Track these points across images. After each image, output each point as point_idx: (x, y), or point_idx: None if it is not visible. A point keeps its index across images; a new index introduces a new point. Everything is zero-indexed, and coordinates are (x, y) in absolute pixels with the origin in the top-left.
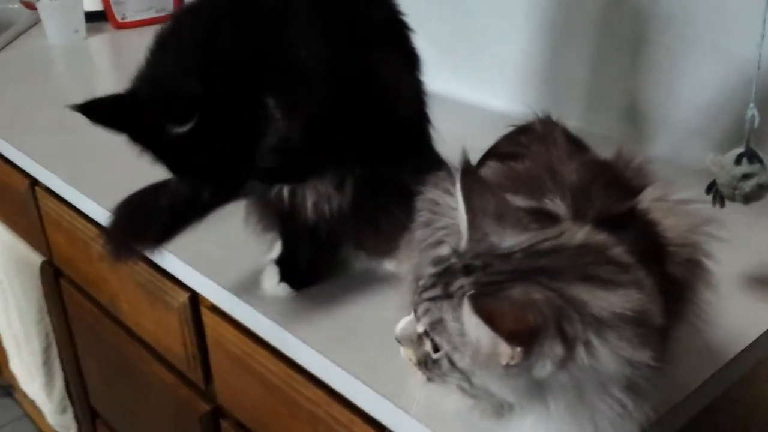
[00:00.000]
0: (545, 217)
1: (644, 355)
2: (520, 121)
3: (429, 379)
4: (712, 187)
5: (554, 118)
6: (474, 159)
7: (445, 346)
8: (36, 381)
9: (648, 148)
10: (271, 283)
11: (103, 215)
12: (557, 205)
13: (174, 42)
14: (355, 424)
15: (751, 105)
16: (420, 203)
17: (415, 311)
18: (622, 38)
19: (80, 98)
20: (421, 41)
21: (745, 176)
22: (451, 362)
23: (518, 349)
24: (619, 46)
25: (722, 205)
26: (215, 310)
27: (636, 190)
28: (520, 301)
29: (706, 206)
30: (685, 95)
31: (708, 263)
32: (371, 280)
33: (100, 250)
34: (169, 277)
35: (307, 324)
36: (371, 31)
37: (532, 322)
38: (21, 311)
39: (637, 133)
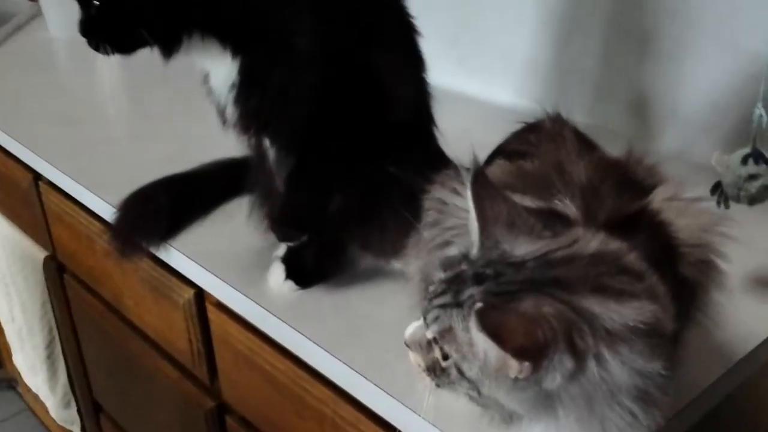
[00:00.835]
0: (555, 219)
1: (656, 366)
2: (530, 119)
3: (437, 386)
4: (717, 188)
5: (564, 115)
6: (480, 154)
7: (454, 355)
8: (39, 375)
9: (655, 142)
10: (277, 280)
11: (106, 210)
12: (567, 206)
13: None
14: (361, 423)
15: (759, 104)
16: (427, 203)
17: (425, 317)
18: (631, 31)
19: (82, 91)
20: (425, 33)
21: (751, 177)
22: (460, 371)
23: (526, 363)
24: (627, 39)
25: (727, 206)
26: (221, 306)
27: (647, 190)
28: (529, 315)
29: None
30: (694, 89)
31: (721, 264)
32: (378, 278)
33: (106, 247)
34: (174, 273)
35: (313, 321)
36: (375, 29)
37: (541, 337)
38: (24, 306)
39: (645, 128)
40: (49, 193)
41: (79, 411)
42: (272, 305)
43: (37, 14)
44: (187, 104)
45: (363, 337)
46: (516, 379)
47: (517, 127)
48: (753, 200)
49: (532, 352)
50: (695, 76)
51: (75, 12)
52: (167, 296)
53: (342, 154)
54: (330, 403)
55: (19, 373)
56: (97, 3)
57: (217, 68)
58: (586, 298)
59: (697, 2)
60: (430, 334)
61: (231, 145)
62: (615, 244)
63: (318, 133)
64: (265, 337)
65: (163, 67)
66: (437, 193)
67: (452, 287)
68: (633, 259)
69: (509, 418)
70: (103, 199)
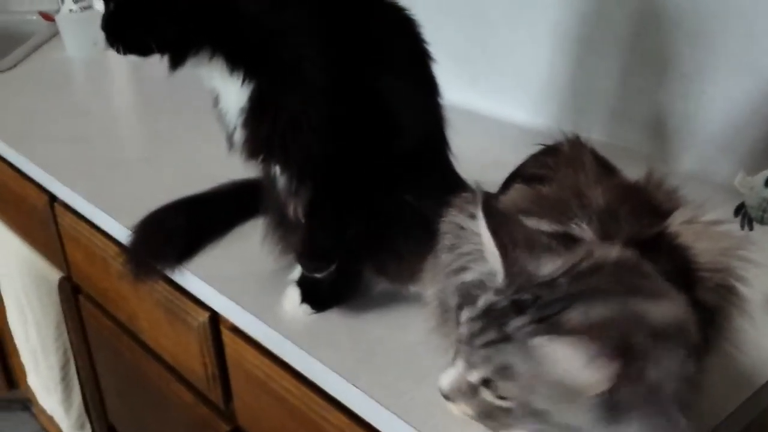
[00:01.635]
0: (572, 243)
1: (690, 368)
2: (548, 140)
3: (493, 429)
4: (740, 209)
5: (582, 138)
6: (496, 174)
7: (518, 392)
8: (54, 396)
9: (675, 162)
10: (293, 304)
11: (122, 232)
12: (583, 230)
13: None
14: None
15: None
16: (444, 226)
17: (468, 361)
18: (648, 51)
19: (98, 111)
20: (438, 51)
21: None
22: (526, 407)
23: (609, 370)
24: (645, 58)
25: (751, 227)
26: (235, 330)
27: (666, 214)
28: (595, 324)
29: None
30: (713, 110)
31: (741, 288)
32: (394, 302)
33: (121, 269)
34: (189, 296)
35: (329, 346)
36: (388, 59)
37: (610, 343)
38: (39, 327)
39: (664, 147)
40: (65, 215)
41: None
42: (287, 329)
43: (55, 34)
44: (202, 125)
45: (379, 363)
46: (591, 396)
47: (535, 148)
48: None
49: (609, 358)
50: (714, 97)
51: (91, 33)
52: (182, 319)
53: (355, 183)
54: (346, 429)
55: (33, 394)
56: (113, 3)
57: (227, 90)
58: (627, 301)
59: (715, 25)
60: (477, 377)
61: (245, 167)
62: (630, 252)
63: (330, 162)
64: (280, 361)
65: (175, 85)
66: (453, 217)
67: (492, 322)
68: (650, 267)
69: None
70: (119, 221)
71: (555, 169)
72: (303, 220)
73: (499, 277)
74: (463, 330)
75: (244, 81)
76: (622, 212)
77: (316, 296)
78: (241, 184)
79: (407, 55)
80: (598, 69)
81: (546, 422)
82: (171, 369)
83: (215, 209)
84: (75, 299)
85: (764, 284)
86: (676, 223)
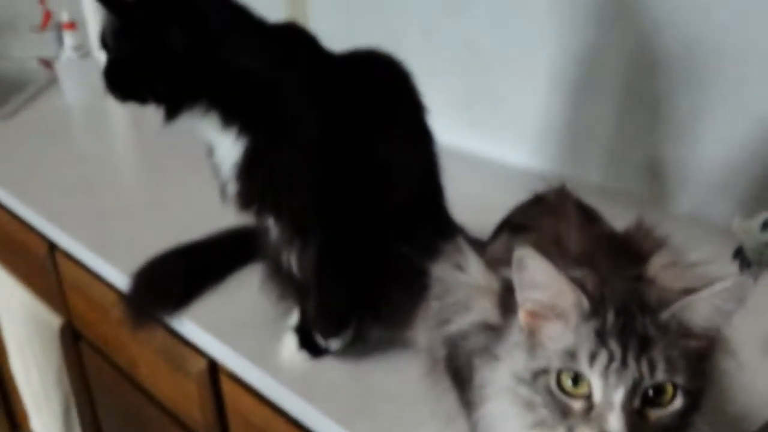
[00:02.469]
0: None
1: None
2: (538, 189)
3: None
4: (738, 253)
5: (568, 187)
6: (492, 217)
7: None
8: None
9: (671, 205)
10: (290, 350)
11: (122, 280)
12: None
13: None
14: None
15: None
16: (435, 273)
17: (633, 381)
18: (644, 94)
19: (97, 159)
20: (436, 95)
21: None
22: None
23: None
24: (640, 102)
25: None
26: (234, 377)
27: (647, 258)
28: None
29: (720, 267)
30: (708, 153)
31: (724, 330)
32: (389, 348)
33: (119, 316)
34: (187, 343)
35: (327, 393)
36: (382, 115)
37: None
38: (41, 371)
39: (660, 190)
40: (65, 262)
41: None
42: (284, 376)
43: (53, 81)
44: (201, 172)
45: (377, 409)
46: None
47: (526, 196)
48: None
49: None
50: (709, 139)
51: (90, 80)
52: (181, 366)
53: (353, 239)
54: None
55: None
56: (113, 51)
57: (221, 144)
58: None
59: (709, 69)
60: (639, 398)
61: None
62: None
63: (324, 217)
64: (278, 408)
65: (172, 134)
66: (441, 267)
67: (630, 336)
68: None
69: None
70: (118, 269)
71: (539, 218)
72: (311, 288)
73: (583, 304)
74: (604, 362)
75: (238, 136)
76: (598, 258)
77: (313, 343)
78: (238, 231)
79: (401, 112)
80: (594, 112)
81: None
82: (170, 415)
83: (213, 256)
84: (76, 345)
85: (760, 328)
86: (655, 266)
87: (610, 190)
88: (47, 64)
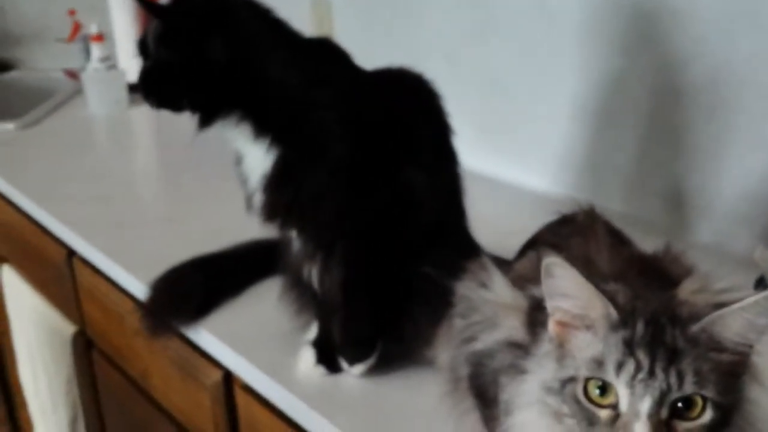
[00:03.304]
0: None
1: None
2: (564, 210)
3: None
4: (760, 283)
5: (597, 210)
6: (514, 241)
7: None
8: None
9: (692, 234)
10: (307, 365)
11: (139, 289)
12: None
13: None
14: None
15: None
16: (458, 291)
17: (660, 392)
18: (666, 124)
19: (119, 169)
20: (462, 121)
21: None
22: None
23: None
24: (662, 131)
25: None
26: (249, 390)
27: (676, 282)
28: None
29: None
30: (730, 183)
31: (755, 358)
32: (409, 365)
33: (136, 325)
34: (202, 354)
35: (343, 409)
36: (411, 135)
37: None
38: (50, 380)
39: (681, 219)
40: (83, 269)
41: None
42: (301, 391)
43: (78, 92)
44: (221, 185)
45: (395, 427)
46: None
47: (553, 217)
48: None
49: None
50: (731, 170)
51: (115, 91)
52: (195, 377)
53: (373, 256)
54: None
55: None
56: (151, 58)
57: (252, 154)
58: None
59: (732, 100)
60: (667, 408)
61: (263, 227)
62: None
63: (347, 234)
64: (293, 423)
65: (197, 143)
66: (466, 285)
67: (658, 348)
68: None
69: None
70: (136, 278)
71: (568, 238)
72: (336, 310)
73: (611, 314)
74: (631, 371)
75: (269, 147)
76: (629, 279)
77: (332, 357)
78: (258, 243)
79: (430, 132)
80: (616, 140)
81: None
82: (181, 427)
83: (232, 267)
84: (88, 354)
85: None
86: (686, 291)
87: (631, 218)
88: (73, 74)
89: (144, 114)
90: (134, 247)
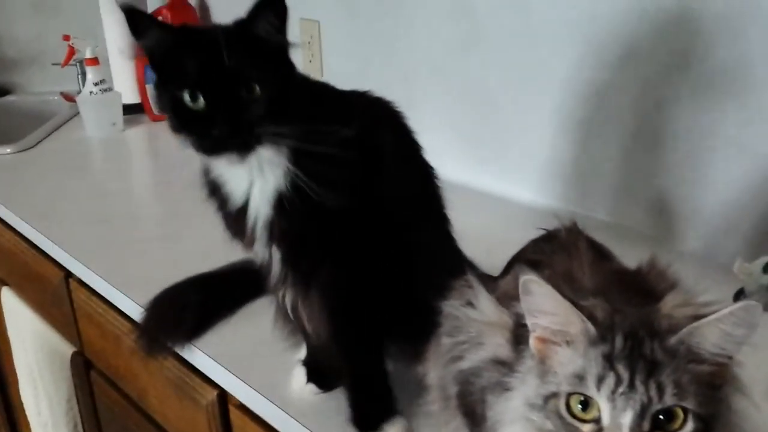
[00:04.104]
0: None
1: None
2: (548, 226)
3: None
4: (739, 296)
5: (579, 226)
6: (501, 253)
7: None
8: None
9: (678, 242)
10: (299, 383)
11: (135, 310)
12: None
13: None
14: None
15: None
16: (445, 310)
17: (641, 405)
18: (650, 133)
19: (114, 190)
20: (448, 133)
21: None
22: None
23: None
24: (646, 141)
25: None
26: (243, 408)
27: (659, 297)
28: None
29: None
30: (714, 191)
31: (737, 370)
32: (399, 382)
33: (132, 345)
34: (198, 373)
35: (335, 426)
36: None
37: None
38: (51, 400)
39: (666, 227)
40: (79, 291)
41: None
42: (294, 408)
43: (75, 115)
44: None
45: None
46: None
47: (537, 233)
48: None
49: None
50: (715, 179)
51: (111, 114)
52: (191, 396)
53: (357, 278)
54: None
55: None
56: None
57: (262, 184)
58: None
59: (714, 111)
60: (649, 421)
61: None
62: None
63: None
64: None
65: (191, 164)
66: (451, 304)
67: (636, 361)
68: None
69: None
70: (132, 299)
71: (551, 254)
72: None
73: (589, 330)
74: (611, 385)
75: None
76: (611, 295)
77: (322, 376)
78: (252, 263)
79: (407, 150)
80: (601, 150)
81: None
82: None
83: (227, 287)
84: (87, 374)
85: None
86: (668, 305)
87: (617, 227)
88: (69, 98)
89: (140, 135)
90: (130, 267)
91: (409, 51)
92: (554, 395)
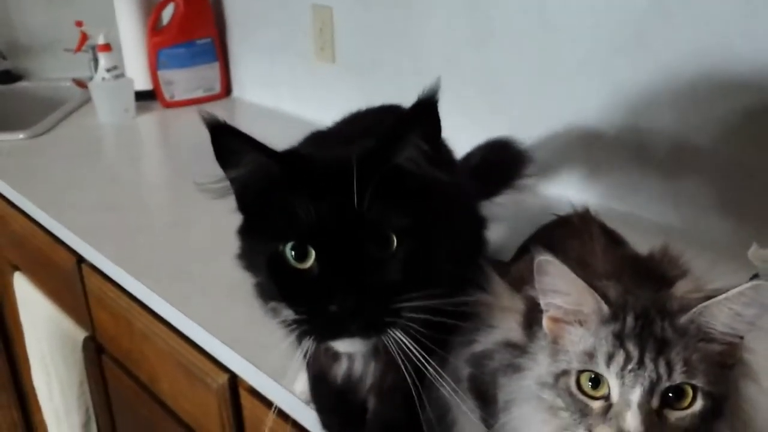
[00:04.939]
0: None
1: None
2: (560, 212)
3: None
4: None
5: (592, 211)
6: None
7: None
8: None
9: (692, 230)
10: (303, 386)
11: (147, 295)
12: None
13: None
14: None
15: None
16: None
17: (651, 382)
18: (661, 122)
19: (127, 177)
20: (459, 122)
21: None
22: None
23: None
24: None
25: None
26: (253, 392)
27: (671, 282)
28: None
29: None
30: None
31: (748, 356)
32: None
33: (143, 329)
34: (209, 357)
35: None
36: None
37: None
38: (62, 385)
39: (679, 215)
40: (91, 276)
41: None
42: (304, 393)
43: (87, 101)
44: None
45: None
46: None
47: (549, 219)
48: None
49: None
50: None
51: (123, 100)
52: (202, 380)
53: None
54: None
55: None
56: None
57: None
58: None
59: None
60: (658, 397)
61: None
62: None
63: None
64: (297, 425)
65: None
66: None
67: (646, 339)
68: None
69: None
70: (144, 284)
71: (563, 240)
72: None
73: (602, 309)
74: (621, 363)
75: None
76: (624, 279)
77: None
78: None
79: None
80: (614, 141)
81: None
82: (189, 429)
83: None
84: (98, 359)
85: None
86: (680, 291)
87: (631, 217)
88: (81, 84)
89: (152, 121)
90: (141, 253)
91: (423, 41)
92: (565, 373)
